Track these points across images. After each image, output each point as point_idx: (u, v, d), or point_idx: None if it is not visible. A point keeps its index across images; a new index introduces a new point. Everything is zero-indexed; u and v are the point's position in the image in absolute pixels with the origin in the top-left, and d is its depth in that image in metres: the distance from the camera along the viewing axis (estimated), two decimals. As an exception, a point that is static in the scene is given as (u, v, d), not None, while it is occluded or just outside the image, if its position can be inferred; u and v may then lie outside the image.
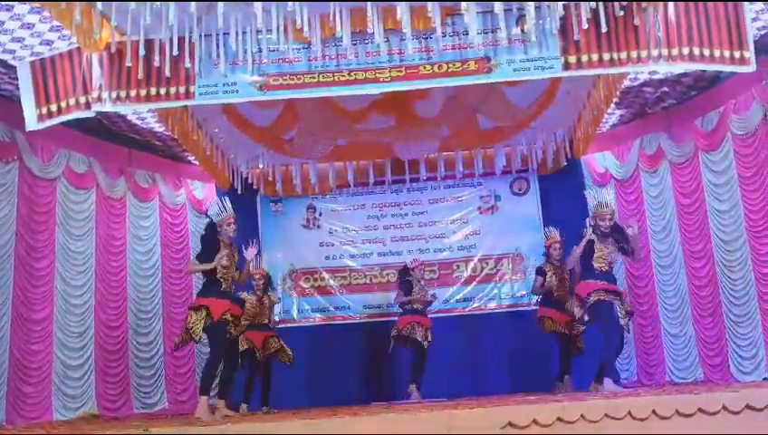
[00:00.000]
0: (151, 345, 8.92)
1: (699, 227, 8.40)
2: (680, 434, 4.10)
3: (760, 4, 6.29)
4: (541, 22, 5.87)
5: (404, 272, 8.69)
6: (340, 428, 4.22)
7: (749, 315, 7.71)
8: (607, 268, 6.66)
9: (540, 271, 7.99)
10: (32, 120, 6.34)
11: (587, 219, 6.91)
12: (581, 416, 4.12)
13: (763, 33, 6.71)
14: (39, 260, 7.66)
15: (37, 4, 5.67)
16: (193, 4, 5.43)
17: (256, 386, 7.74)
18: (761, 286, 7.54)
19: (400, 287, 8.60)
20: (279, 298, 8.44)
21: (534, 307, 8.30)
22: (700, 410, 4.16)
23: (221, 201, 6.38)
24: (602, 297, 6.51)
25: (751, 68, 6.02)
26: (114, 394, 8.33)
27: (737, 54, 5.96)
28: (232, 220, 6.26)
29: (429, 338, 8.33)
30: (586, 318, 7.19)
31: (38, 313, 7.58)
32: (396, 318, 8.63)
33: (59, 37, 6.19)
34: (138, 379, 8.67)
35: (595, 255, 6.64)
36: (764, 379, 7.29)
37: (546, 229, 8.34)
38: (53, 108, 6.29)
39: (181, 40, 5.86)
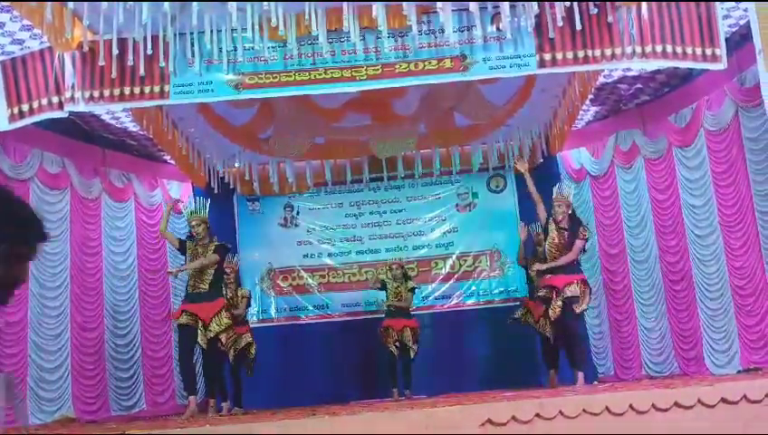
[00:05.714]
0: (129, 347, 8.81)
1: (674, 223, 8.48)
2: (657, 431, 4.14)
3: (731, 3, 6.36)
4: (516, 20, 5.92)
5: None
6: (319, 427, 4.20)
7: (723, 309, 7.80)
8: (555, 256, 6.77)
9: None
10: (3, 121, 6.26)
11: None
12: (560, 412, 4.15)
13: (734, 30, 6.80)
14: (12, 262, 7.54)
15: (7, 3, 5.57)
16: (166, 3, 5.38)
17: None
18: (735, 280, 7.63)
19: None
20: (249, 291, 8.32)
21: (513, 303, 8.31)
22: (676, 404, 4.20)
23: (196, 200, 6.47)
24: (545, 295, 6.78)
25: (722, 65, 6.12)
26: (91, 397, 8.22)
27: (709, 52, 6.06)
28: (194, 222, 6.48)
29: (403, 339, 8.25)
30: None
31: (12, 315, 7.44)
32: (374, 316, 8.64)
33: (30, 36, 6.08)
34: (115, 381, 8.56)
35: (546, 244, 6.84)
36: (738, 372, 7.38)
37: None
38: (25, 108, 6.22)
39: (155, 39, 5.81)
